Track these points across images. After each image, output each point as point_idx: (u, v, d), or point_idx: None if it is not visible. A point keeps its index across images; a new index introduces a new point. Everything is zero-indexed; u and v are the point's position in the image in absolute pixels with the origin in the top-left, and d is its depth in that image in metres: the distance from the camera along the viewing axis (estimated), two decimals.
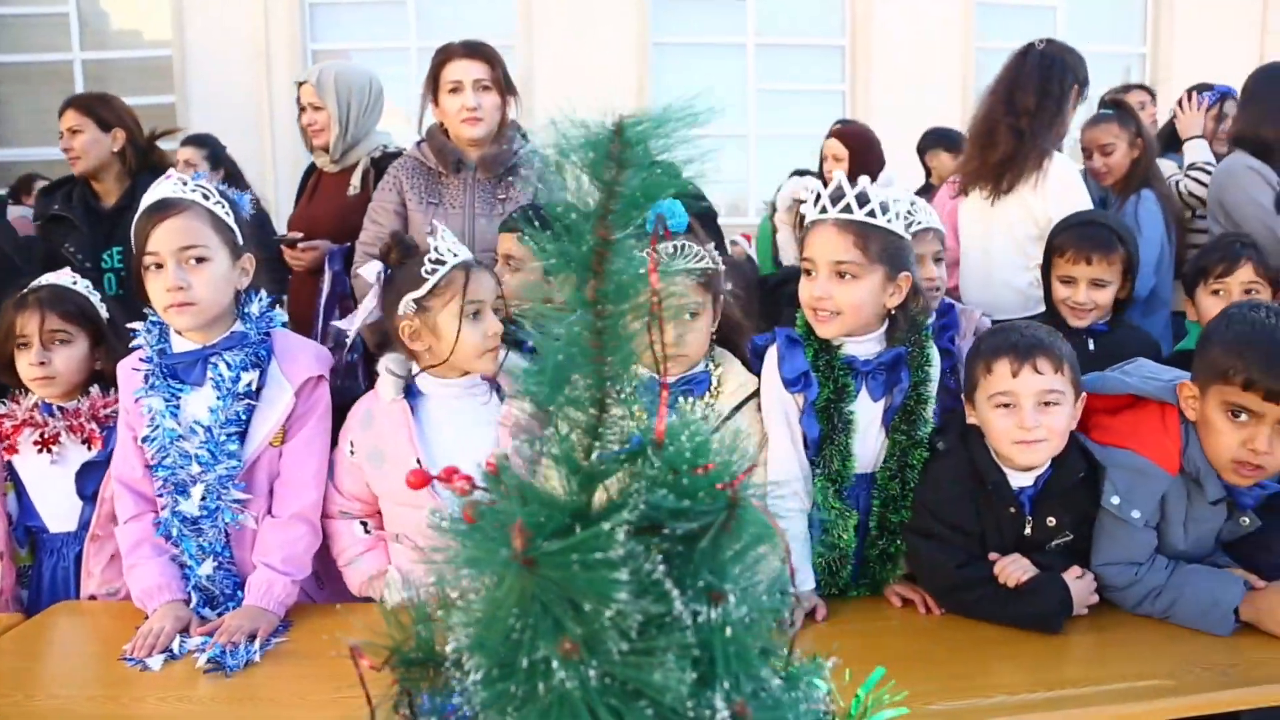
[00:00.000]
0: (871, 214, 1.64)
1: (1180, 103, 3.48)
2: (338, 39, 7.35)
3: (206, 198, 1.68)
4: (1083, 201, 2.61)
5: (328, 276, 2.62)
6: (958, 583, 1.69)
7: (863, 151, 3.45)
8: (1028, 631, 1.64)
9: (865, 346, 1.72)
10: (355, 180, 2.89)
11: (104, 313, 1.89)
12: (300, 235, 2.84)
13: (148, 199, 1.67)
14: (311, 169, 3.17)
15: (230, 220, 1.70)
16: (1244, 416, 1.56)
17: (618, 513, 0.57)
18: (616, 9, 7.38)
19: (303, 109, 3.00)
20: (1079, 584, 1.67)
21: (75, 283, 1.88)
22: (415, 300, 1.72)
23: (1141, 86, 4.80)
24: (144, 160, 3.08)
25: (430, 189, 2.56)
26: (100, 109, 3.07)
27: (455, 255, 1.74)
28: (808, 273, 1.69)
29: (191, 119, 6.93)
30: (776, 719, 0.62)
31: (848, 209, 1.64)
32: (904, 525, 1.74)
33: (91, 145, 3.00)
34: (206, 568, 1.69)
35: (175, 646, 1.57)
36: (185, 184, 1.66)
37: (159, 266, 1.63)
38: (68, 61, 7.10)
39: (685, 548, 0.60)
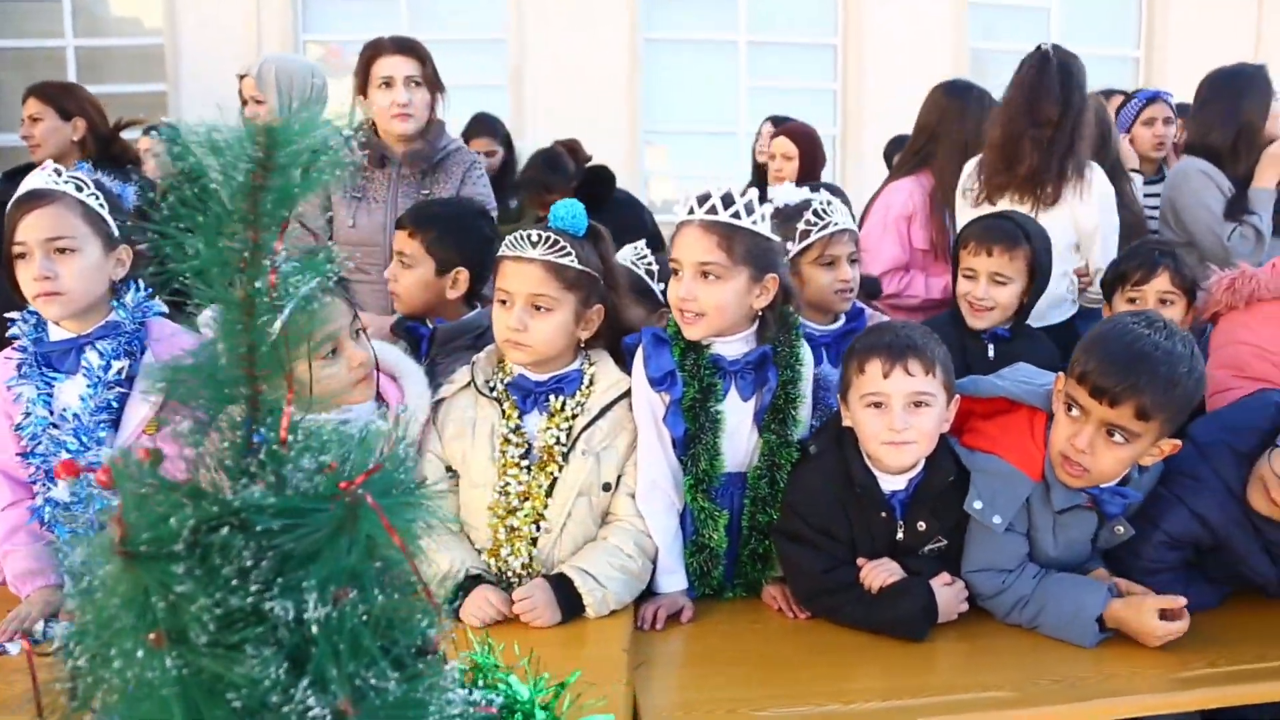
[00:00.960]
0: (736, 215, 1.63)
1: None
2: (330, 30, 7.38)
3: (80, 189, 1.69)
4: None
5: None
6: (824, 587, 1.68)
7: (811, 150, 3.44)
8: (895, 639, 1.64)
9: (733, 346, 1.71)
10: None
11: None
12: None
13: (20, 190, 1.69)
14: None
15: (104, 212, 1.72)
16: (1075, 411, 1.56)
17: (182, 509, 0.58)
18: (609, 4, 7.35)
19: (244, 102, 3.03)
20: (947, 591, 1.66)
21: None
22: None
23: (1121, 92, 4.75)
24: (105, 150, 3.11)
25: (353, 183, 2.58)
26: (62, 98, 3.11)
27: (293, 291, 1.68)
28: (675, 273, 1.68)
29: (183, 107, 6.98)
30: (391, 718, 0.62)
31: (713, 210, 1.63)
32: (771, 527, 1.73)
33: (51, 134, 3.05)
34: (81, 554, 1.71)
35: (38, 631, 1.59)
36: (59, 175, 1.68)
37: (27, 256, 1.65)
38: (60, 48, 7.16)
39: (289, 545, 0.60)
